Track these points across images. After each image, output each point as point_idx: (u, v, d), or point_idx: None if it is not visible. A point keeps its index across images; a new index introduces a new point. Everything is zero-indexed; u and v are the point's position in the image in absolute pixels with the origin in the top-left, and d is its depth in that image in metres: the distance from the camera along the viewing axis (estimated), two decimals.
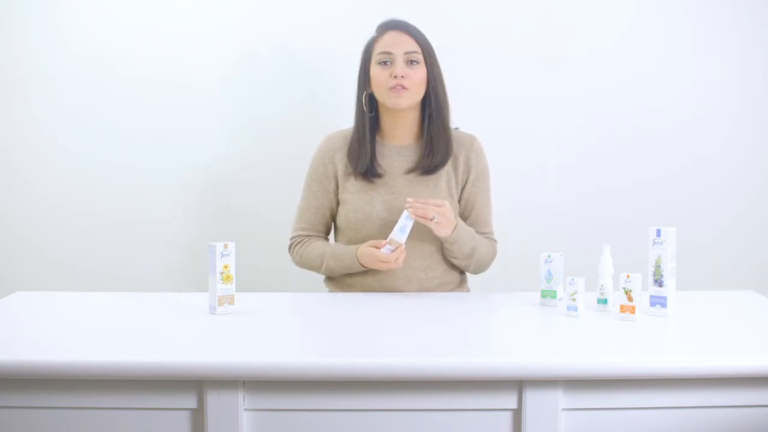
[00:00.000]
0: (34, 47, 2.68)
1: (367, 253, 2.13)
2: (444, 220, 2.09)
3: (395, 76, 2.14)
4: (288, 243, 2.31)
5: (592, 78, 2.70)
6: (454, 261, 2.21)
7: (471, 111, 2.38)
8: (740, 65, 2.71)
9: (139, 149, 2.71)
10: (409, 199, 2.10)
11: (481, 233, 2.24)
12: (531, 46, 2.69)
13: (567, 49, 2.69)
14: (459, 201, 2.24)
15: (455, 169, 2.23)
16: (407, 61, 2.16)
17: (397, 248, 2.09)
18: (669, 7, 2.69)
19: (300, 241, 2.28)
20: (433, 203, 2.09)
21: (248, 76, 2.70)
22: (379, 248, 2.11)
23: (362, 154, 2.21)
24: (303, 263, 2.28)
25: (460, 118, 2.28)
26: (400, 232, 2.09)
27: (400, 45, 2.17)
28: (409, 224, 2.09)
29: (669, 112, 2.72)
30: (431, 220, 2.07)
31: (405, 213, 2.09)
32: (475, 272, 2.27)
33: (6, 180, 2.72)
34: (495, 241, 2.29)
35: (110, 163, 2.72)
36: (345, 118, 2.33)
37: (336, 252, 2.20)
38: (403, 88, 2.15)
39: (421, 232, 2.14)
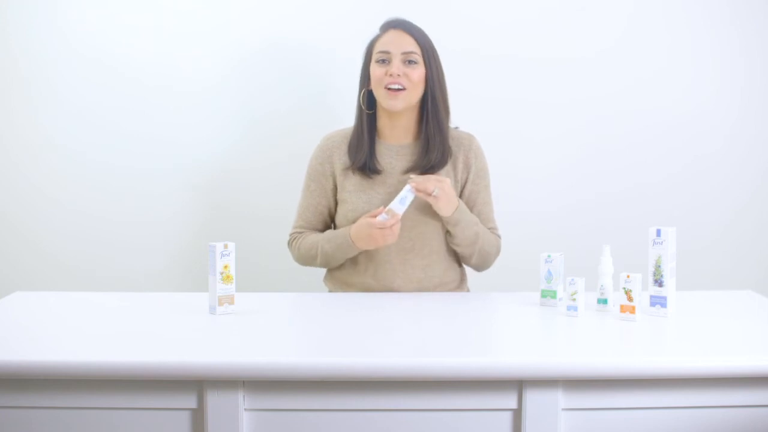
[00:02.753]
0: (35, 47, 2.68)
1: (362, 224, 2.12)
2: (444, 195, 2.10)
3: (391, 75, 2.15)
4: (287, 239, 2.32)
5: (591, 79, 2.70)
6: (458, 249, 2.21)
7: (472, 112, 2.38)
8: (739, 66, 2.71)
9: (140, 149, 2.71)
10: (412, 175, 2.11)
11: None
12: (531, 47, 2.69)
13: (566, 50, 2.69)
14: (459, 199, 2.25)
15: (454, 168, 2.23)
16: (405, 61, 2.16)
17: (393, 218, 2.09)
18: (668, 8, 2.69)
19: (297, 237, 2.28)
20: (434, 178, 2.10)
21: (248, 76, 2.70)
22: (375, 216, 2.11)
23: (360, 150, 2.21)
24: (301, 256, 2.28)
25: (460, 119, 2.28)
26: (400, 203, 2.09)
27: (398, 44, 2.17)
28: (410, 197, 2.09)
29: (669, 113, 2.72)
30: (431, 194, 2.08)
31: (407, 186, 2.10)
32: (478, 267, 2.27)
33: (7, 180, 2.72)
34: (499, 236, 2.28)
35: (110, 163, 2.72)
36: (345, 118, 2.33)
37: (329, 235, 2.21)
38: (401, 88, 2.15)
39: (421, 231, 2.15)
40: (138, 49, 2.68)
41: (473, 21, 2.68)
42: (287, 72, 2.71)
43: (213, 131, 2.72)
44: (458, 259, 2.27)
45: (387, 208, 2.10)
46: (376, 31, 2.24)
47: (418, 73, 2.17)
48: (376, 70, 2.18)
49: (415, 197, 2.10)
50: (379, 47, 2.19)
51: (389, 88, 2.15)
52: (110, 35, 2.68)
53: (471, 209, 2.24)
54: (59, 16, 2.67)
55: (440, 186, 2.09)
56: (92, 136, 2.71)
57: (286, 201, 2.48)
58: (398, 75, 2.15)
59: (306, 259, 2.28)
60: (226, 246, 1.92)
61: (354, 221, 2.19)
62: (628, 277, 1.86)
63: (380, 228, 2.09)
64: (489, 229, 2.25)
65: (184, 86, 2.70)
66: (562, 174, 2.73)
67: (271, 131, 2.72)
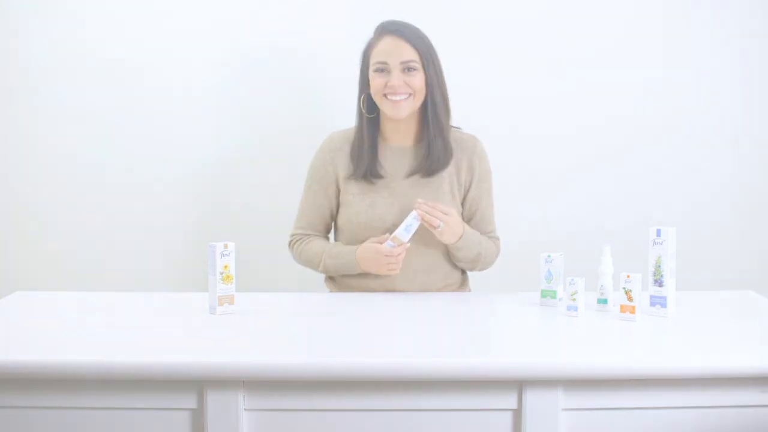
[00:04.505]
0: (35, 47, 2.68)
1: (369, 248, 2.12)
2: (448, 229, 2.10)
3: (392, 86, 2.13)
4: (288, 239, 2.31)
5: (592, 78, 2.70)
6: (458, 263, 2.22)
7: (472, 111, 2.38)
8: (740, 66, 2.71)
9: (140, 149, 2.71)
10: (419, 200, 2.10)
11: (485, 232, 2.25)
12: (531, 46, 2.69)
13: (567, 50, 2.69)
14: (463, 203, 2.24)
15: (458, 171, 2.22)
16: (404, 69, 2.15)
17: (399, 245, 2.09)
18: (669, 8, 2.69)
19: (299, 239, 2.28)
20: (441, 210, 2.09)
21: (248, 76, 2.70)
22: (382, 243, 2.11)
23: (362, 157, 2.20)
24: (302, 260, 2.28)
25: (461, 118, 2.28)
26: (405, 231, 2.09)
27: (396, 54, 2.15)
28: (415, 224, 2.09)
29: (669, 112, 2.72)
30: (436, 228, 2.08)
31: (413, 213, 2.09)
32: (480, 271, 2.28)
33: (6, 179, 2.72)
34: (498, 238, 2.29)
35: (110, 162, 2.71)
36: (345, 118, 2.33)
37: (334, 251, 2.20)
38: (403, 98, 2.13)
39: (423, 235, 2.14)
40: (138, 49, 2.68)
41: (473, 20, 2.68)
42: (287, 72, 2.70)
43: (213, 132, 2.72)
44: None
45: (392, 235, 2.10)
46: (372, 33, 2.21)
47: (419, 79, 2.15)
48: (375, 80, 2.16)
49: (421, 224, 2.10)
50: (376, 56, 2.17)
51: (391, 99, 2.14)
52: (111, 35, 2.68)
53: (473, 213, 2.24)
54: (60, 16, 2.67)
55: (445, 220, 2.09)
56: (92, 136, 2.71)
57: (287, 201, 2.48)
58: (399, 86, 2.13)
59: (306, 264, 2.27)
60: (226, 246, 1.92)
61: (357, 224, 2.19)
62: (628, 277, 1.86)
63: (386, 256, 2.09)
64: (488, 232, 2.25)
65: (185, 87, 2.69)
66: (562, 174, 2.73)
67: (271, 131, 2.71)
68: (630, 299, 1.86)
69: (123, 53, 2.68)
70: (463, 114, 2.30)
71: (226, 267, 1.92)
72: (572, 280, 1.88)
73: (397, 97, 2.14)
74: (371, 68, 2.18)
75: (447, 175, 2.21)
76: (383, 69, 2.15)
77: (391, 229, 2.13)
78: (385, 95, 2.15)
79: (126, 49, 2.68)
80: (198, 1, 2.68)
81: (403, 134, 2.23)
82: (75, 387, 1.58)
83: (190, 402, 1.59)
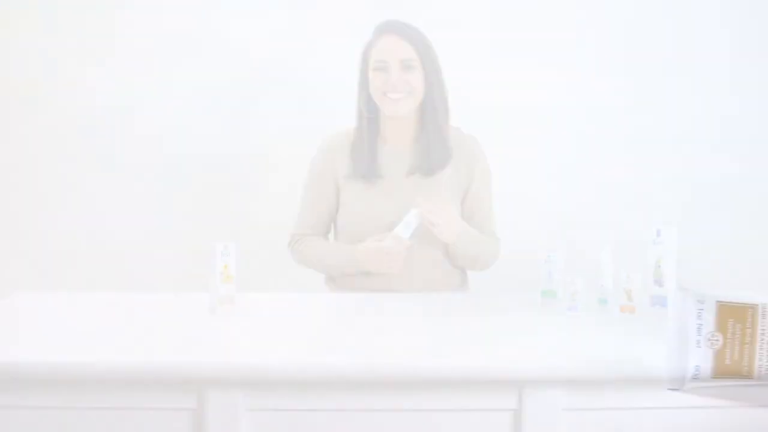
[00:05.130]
0: (37, 45, 2.68)
1: (370, 246, 2.12)
2: (447, 227, 2.10)
3: (391, 84, 2.14)
4: (288, 239, 2.31)
5: (592, 78, 2.70)
6: (458, 262, 2.22)
7: (472, 110, 2.38)
8: (740, 64, 2.71)
9: (140, 149, 2.72)
10: (419, 199, 2.10)
11: (484, 233, 2.25)
12: (532, 46, 2.69)
13: (568, 49, 2.70)
14: (462, 203, 2.24)
15: (457, 171, 2.22)
16: (403, 68, 2.15)
17: (400, 243, 2.09)
18: (670, 6, 2.69)
19: (299, 239, 2.28)
20: (440, 207, 2.09)
21: (248, 76, 2.71)
22: (382, 241, 2.11)
23: (362, 157, 2.20)
24: (302, 260, 2.28)
25: (460, 117, 2.28)
26: (405, 229, 2.09)
27: (395, 51, 2.15)
28: (415, 222, 2.09)
29: (670, 111, 2.72)
30: (435, 226, 2.08)
31: (413, 211, 2.09)
32: (479, 270, 2.28)
33: (6, 179, 2.73)
34: (497, 238, 2.29)
35: (110, 163, 2.72)
36: (344, 119, 2.33)
37: (334, 250, 2.20)
38: (401, 96, 2.13)
39: (423, 235, 2.14)
40: (139, 50, 2.69)
41: (472, 21, 2.68)
42: (287, 73, 2.71)
43: (213, 132, 2.72)
44: None
45: (393, 233, 2.10)
46: (371, 34, 2.21)
47: (417, 77, 2.15)
48: (374, 78, 2.16)
49: (421, 223, 2.10)
50: (375, 54, 2.17)
51: (390, 97, 2.14)
52: (112, 36, 2.68)
53: (473, 214, 2.24)
54: (59, 14, 2.67)
55: (445, 218, 2.09)
56: (92, 136, 2.71)
57: (287, 201, 2.47)
58: (398, 83, 2.13)
59: (306, 264, 2.28)
60: (226, 246, 1.92)
61: (356, 224, 2.19)
62: (628, 277, 1.86)
63: (387, 254, 2.09)
64: (487, 233, 2.25)
65: (185, 88, 2.70)
66: (562, 174, 2.74)
67: (271, 132, 2.72)
68: (630, 299, 1.86)
69: (124, 54, 2.68)
70: (464, 113, 2.30)
71: (226, 267, 1.92)
72: (572, 280, 1.88)
73: (396, 95, 2.14)
74: (371, 67, 2.18)
75: (446, 175, 2.21)
76: (383, 67, 2.15)
77: (390, 229, 2.13)
78: (384, 93, 2.15)
79: (127, 50, 2.68)
80: (199, 3, 2.68)
81: (402, 134, 2.23)
82: (75, 387, 1.58)
83: (190, 402, 1.59)
